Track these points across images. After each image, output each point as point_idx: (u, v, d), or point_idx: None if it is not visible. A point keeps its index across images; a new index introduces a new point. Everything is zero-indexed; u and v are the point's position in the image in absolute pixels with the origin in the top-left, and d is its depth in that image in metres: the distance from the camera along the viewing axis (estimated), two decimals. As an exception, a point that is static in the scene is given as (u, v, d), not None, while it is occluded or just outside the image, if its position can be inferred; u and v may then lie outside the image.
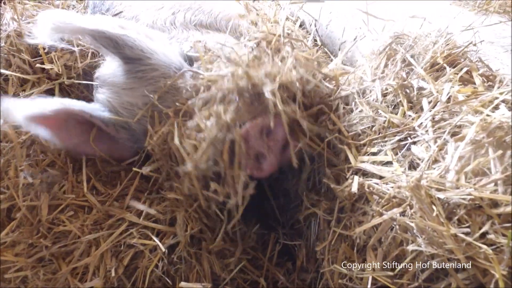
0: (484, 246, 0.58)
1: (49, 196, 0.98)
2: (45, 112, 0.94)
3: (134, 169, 1.03)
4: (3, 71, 1.11)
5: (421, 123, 0.83)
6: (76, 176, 1.08)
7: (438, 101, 0.84)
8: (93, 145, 1.04)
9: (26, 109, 0.93)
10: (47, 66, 1.16)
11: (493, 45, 1.23)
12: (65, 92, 1.24)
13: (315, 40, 1.56)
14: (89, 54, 1.29)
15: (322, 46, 1.54)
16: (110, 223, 0.99)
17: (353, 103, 1.04)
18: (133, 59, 1.01)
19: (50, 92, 1.20)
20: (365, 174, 0.88)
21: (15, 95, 1.12)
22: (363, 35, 1.31)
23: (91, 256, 0.92)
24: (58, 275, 0.91)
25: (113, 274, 0.92)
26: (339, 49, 1.42)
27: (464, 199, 0.63)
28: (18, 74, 1.13)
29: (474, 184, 0.64)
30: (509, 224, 0.59)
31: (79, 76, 1.27)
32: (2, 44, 1.11)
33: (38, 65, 1.16)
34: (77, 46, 1.26)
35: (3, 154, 1.00)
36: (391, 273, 0.73)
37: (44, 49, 1.18)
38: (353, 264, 0.81)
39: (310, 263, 1.11)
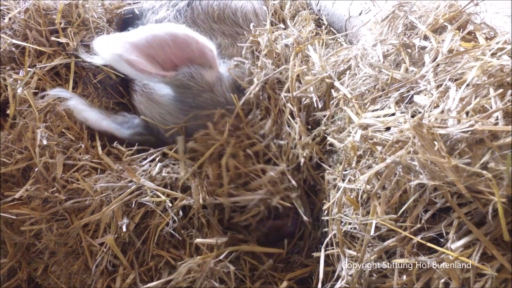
0: (484, 172, 0.59)
1: (64, 156, 1.02)
2: (95, 127, 1.15)
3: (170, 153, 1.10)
4: (20, 43, 1.17)
5: (423, 75, 0.84)
6: (90, 142, 1.13)
7: (439, 54, 0.85)
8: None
9: (85, 118, 1.14)
10: (62, 39, 1.22)
11: (499, 14, 1.24)
12: (81, 66, 1.30)
13: (321, 20, 1.59)
14: (105, 32, 1.35)
15: (328, 26, 1.56)
16: (121, 185, 1.02)
17: (356, 68, 1.07)
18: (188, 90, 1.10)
19: (66, 65, 1.26)
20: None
21: (31, 66, 1.18)
22: (368, 9, 1.33)
23: (102, 212, 0.95)
24: (71, 229, 0.95)
25: (124, 230, 0.94)
26: (345, 26, 1.44)
27: (465, 132, 0.64)
28: (34, 46, 1.18)
29: (476, 117, 0.65)
30: (508, 151, 0.59)
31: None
32: (22, 17, 1.17)
33: (53, 38, 1.21)
34: (93, 24, 1.32)
35: (22, 117, 1.05)
36: (394, 216, 0.74)
37: (60, 23, 1.23)
38: (357, 213, 0.82)
39: (316, 231, 1.12)
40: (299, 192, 1.02)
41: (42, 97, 1.12)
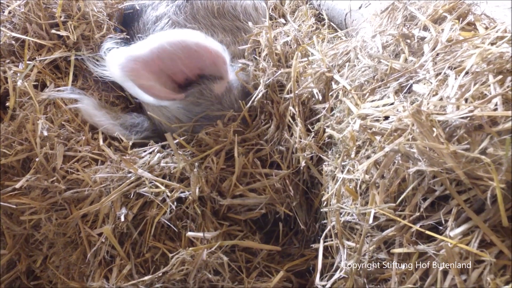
0: (483, 157, 0.59)
1: (65, 147, 1.02)
2: (107, 133, 1.15)
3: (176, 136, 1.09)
4: (20, 36, 1.17)
5: (422, 64, 0.84)
6: (92, 134, 1.13)
7: (438, 43, 0.85)
8: None
9: (97, 124, 1.14)
10: (62, 32, 1.22)
11: (499, 7, 1.23)
12: (80, 60, 1.30)
13: (321, 15, 1.59)
14: (105, 26, 1.35)
15: (328, 21, 1.56)
16: (120, 176, 1.02)
17: (355, 60, 1.06)
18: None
19: (66, 58, 1.26)
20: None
21: (31, 59, 1.18)
22: (368, 3, 1.33)
23: (101, 202, 0.95)
24: (69, 219, 0.95)
25: (122, 219, 0.94)
26: (345, 20, 1.44)
27: (464, 118, 0.64)
28: (34, 39, 1.18)
29: (475, 103, 0.64)
30: (507, 136, 0.59)
31: (97, 46, 1.33)
32: (22, 10, 1.18)
33: (53, 31, 1.21)
34: (93, 17, 1.32)
35: (23, 109, 1.05)
36: (393, 205, 0.74)
37: (60, 17, 1.24)
38: (356, 203, 0.81)
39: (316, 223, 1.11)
40: (298, 199, 1.05)
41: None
